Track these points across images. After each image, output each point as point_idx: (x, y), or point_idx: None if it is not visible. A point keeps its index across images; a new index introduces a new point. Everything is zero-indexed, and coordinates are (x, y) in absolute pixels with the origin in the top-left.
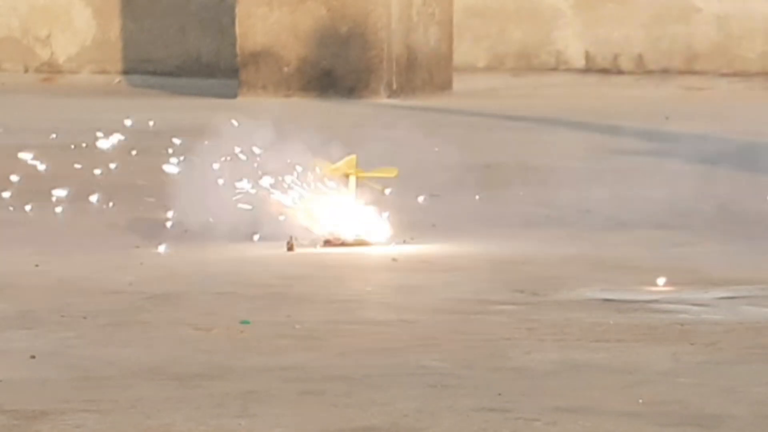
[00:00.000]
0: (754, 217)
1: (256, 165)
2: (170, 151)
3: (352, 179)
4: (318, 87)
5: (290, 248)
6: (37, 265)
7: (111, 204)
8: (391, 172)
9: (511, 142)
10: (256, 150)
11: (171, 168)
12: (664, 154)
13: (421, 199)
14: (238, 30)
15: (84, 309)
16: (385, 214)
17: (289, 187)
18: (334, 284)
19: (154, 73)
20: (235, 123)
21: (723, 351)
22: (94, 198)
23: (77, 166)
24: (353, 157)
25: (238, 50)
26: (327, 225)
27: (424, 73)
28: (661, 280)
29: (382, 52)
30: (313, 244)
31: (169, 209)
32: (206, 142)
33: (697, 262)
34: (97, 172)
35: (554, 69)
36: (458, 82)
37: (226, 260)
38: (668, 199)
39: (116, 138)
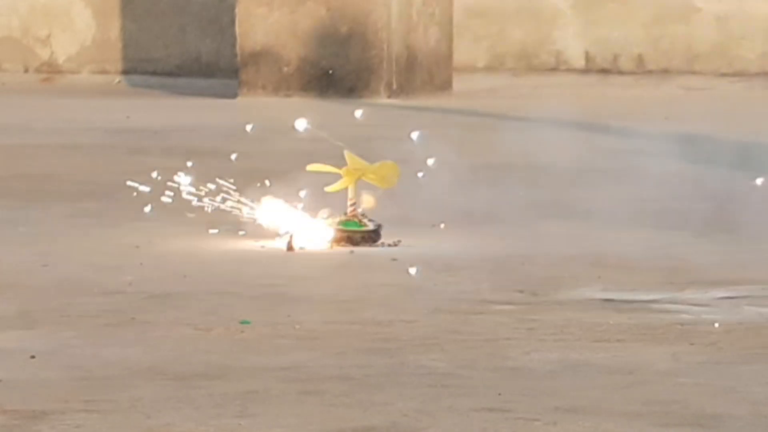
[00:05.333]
0: (754, 217)
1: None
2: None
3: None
4: (318, 87)
5: (290, 248)
6: (45, 265)
7: (111, 204)
8: (391, 168)
9: (511, 142)
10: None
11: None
12: (664, 154)
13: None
14: (238, 30)
15: (84, 309)
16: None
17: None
18: (334, 284)
19: (154, 73)
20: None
21: (723, 351)
22: (94, 198)
23: (77, 166)
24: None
25: (238, 50)
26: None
27: (424, 73)
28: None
29: (382, 52)
30: (317, 243)
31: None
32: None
33: (697, 262)
34: (97, 172)
35: (554, 69)
36: (458, 82)
37: (226, 260)
38: (668, 199)
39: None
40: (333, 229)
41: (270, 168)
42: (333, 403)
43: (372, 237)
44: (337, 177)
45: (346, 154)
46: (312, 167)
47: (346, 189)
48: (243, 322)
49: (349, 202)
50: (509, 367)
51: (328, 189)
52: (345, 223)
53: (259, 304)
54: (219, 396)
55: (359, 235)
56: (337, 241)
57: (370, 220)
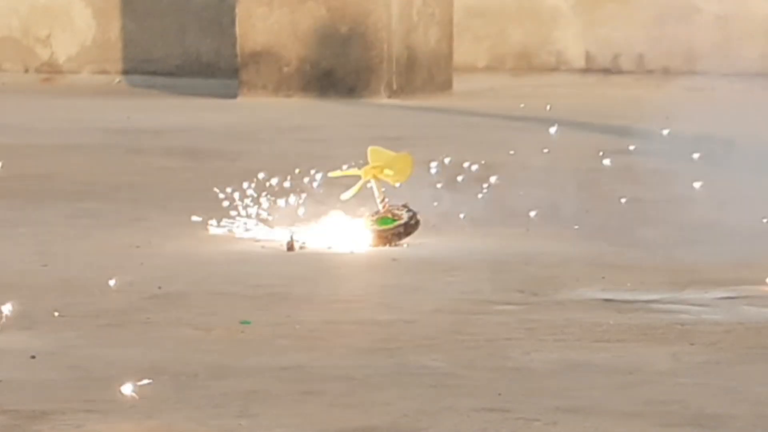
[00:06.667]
0: (754, 217)
1: None
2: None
3: (373, 181)
4: (318, 87)
5: (290, 248)
6: (45, 265)
7: (111, 204)
8: (406, 160)
9: (511, 142)
10: None
11: None
12: (664, 154)
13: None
14: (238, 30)
15: (84, 309)
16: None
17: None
18: (334, 284)
19: (154, 73)
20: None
21: (723, 351)
22: (94, 198)
23: (77, 166)
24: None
25: (238, 50)
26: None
27: (424, 73)
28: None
29: (382, 52)
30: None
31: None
32: None
33: (697, 262)
34: (98, 172)
35: (554, 69)
36: (458, 82)
37: (226, 260)
38: (668, 198)
39: None
40: (370, 230)
41: (272, 169)
42: (333, 403)
43: (407, 230)
44: (356, 179)
45: (370, 149)
46: (334, 174)
47: (362, 189)
48: (243, 322)
49: (378, 199)
50: (509, 367)
51: (343, 197)
52: (380, 221)
53: (259, 304)
54: (219, 396)
55: (392, 232)
56: (376, 243)
57: (404, 209)
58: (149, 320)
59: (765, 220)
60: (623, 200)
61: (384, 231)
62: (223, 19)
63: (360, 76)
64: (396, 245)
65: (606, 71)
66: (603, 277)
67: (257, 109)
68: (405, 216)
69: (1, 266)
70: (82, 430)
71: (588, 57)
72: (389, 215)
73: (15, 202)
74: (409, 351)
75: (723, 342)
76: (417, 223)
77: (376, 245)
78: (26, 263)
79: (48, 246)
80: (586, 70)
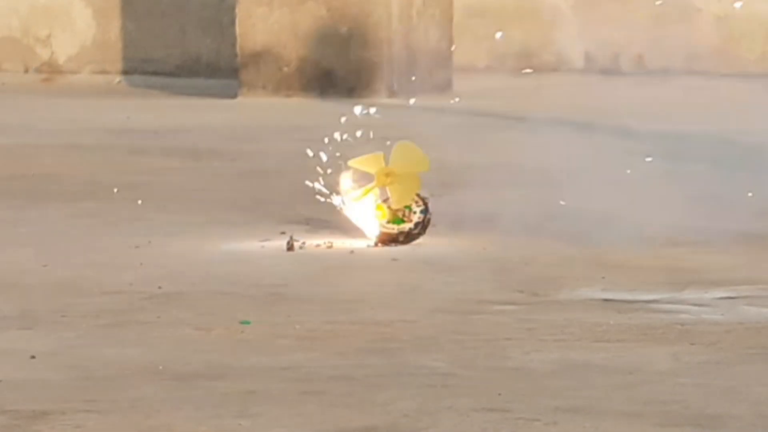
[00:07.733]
0: (755, 218)
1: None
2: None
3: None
4: (318, 87)
5: (290, 248)
6: (45, 265)
7: (111, 204)
8: (423, 164)
9: (511, 142)
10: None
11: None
12: (664, 154)
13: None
14: (238, 30)
15: (84, 309)
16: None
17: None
18: (334, 284)
19: (154, 73)
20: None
21: (723, 351)
22: (94, 198)
23: (77, 166)
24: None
25: (238, 50)
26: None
27: (424, 73)
28: None
29: (382, 52)
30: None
31: (167, 208)
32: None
33: (697, 262)
34: (98, 172)
35: (554, 69)
36: (458, 82)
37: (226, 260)
38: (668, 199)
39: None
40: (380, 228)
41: (271, 168)
42: (333, 403)
43: (407, 238)
44: (366, 177)
45: (399, 144)
46: (353, 162)
47: (369, 193)
48: (243, 322)
49: (377, 202)
50: (509, 367)
51: (353, 199)
52: (393, 220)
53: (259, 304)
54: (219, 396)
55: (402, 234)
56: (382, 241)
57: (419, 208)
58: (149, 320)
59: None
60: (623, 200)
61: (386, 233)
62: (223, 19)
63: (360, 76)
64: (398, 244)
65: (606, 71)
66: (603, 277)
67: (257, 109)
68: (415, 217)
69: (1, 266)
70: (82, 430)
71: (588, 57)
72: (400, 214)
73: (15, 202)
74: (409, 351)
75: (723, 342)
76: (420, 232)
77: (381, 240)
78: (26, 263)
79: (48, 246)
80: (586, 70)
